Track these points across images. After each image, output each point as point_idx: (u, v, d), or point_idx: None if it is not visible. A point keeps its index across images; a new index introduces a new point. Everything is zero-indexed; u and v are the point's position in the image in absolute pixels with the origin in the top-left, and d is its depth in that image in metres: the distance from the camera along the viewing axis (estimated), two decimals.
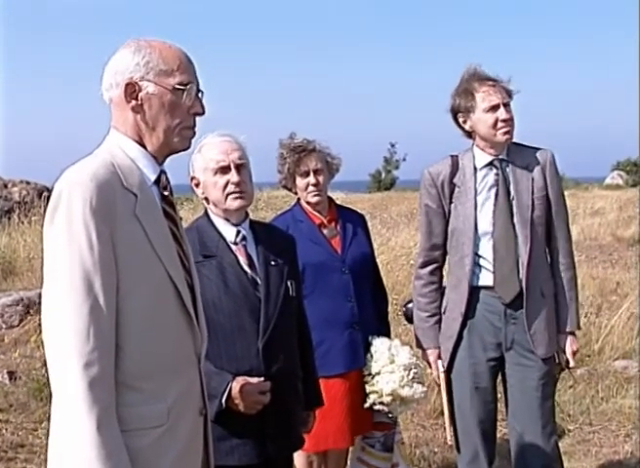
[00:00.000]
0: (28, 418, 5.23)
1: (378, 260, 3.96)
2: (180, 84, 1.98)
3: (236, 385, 2.67)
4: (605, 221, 16.37)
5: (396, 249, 10.24)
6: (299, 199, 3.71)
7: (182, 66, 1.99)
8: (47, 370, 1.82)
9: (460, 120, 3.50)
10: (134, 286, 1.87)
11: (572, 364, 3.58)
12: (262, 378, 2.71)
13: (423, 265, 3.65)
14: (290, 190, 3.74)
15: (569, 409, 5.67)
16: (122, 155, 1.97)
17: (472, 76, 3.47)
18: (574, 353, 3.56)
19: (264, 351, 2.74)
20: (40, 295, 1.91)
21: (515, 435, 3.55)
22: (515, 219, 3.43)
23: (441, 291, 3.64)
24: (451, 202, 3.52)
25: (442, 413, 3.73)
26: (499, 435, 3.84)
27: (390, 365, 3.46)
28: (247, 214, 2.93)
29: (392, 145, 41.68)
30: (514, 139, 3.51)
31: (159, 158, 2.03)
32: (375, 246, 3.95)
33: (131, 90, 1.97)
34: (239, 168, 2.82)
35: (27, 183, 13.45)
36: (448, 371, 3.59)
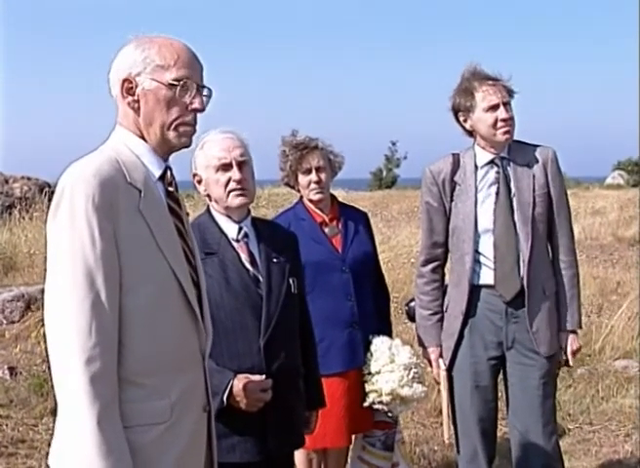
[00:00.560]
0: (29, 414, 5.24)
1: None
2: (176, 79, 1.97)
3: (238, 383, 2.66)
4: (606, 221, 16.37)
5: (397, 247, 10.25)
6: (301, 197, 3.70)
7: (180, 62, 1.97)
8: (48, 366, 1.83)
9: (461, 119, 3.50)
10: (137, 282, 1.87)
11: (571, 363, 3.57)
12: (264, 376, 2.71)
13: (425, 263, 3.65)
14: (292, 188, 3.73)
15: (569, 408, 5.67)
16: (127, 151, 1.97)
17: (472, 75, 3.46)
18: (575, 352, 3.55)
19: (266, 348, 2.74)
20: (41, 291, 1.91)
21: (516, 434, 3.55)
22: (516, 217, 3.43)
23: (443, 289, 3.64)
24: (452, 200, 3.52)
25: (442, 412, 3.73)
26: (499, 434, 3.84)
27: (390, 364, 3.46)
28: (249, 212, 2.93)
29: (393, 143, 41.74)
30: (515, 137, 3.51)
31: (161, 154, 2.02)
32: (376, 244, 3.94)
33: (128, 86, 1.98)
34: (241, 165, 2.81)
35: (28, 179, 13.46)
36: (449, 370, 3.58)
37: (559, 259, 3.52)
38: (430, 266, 3.63)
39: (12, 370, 5.86)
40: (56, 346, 1.80)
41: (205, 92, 2.03)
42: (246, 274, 2.79)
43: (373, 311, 3.64)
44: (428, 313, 3.61)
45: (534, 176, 3.45)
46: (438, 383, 3.66)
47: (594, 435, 5.34)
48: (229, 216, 2.86)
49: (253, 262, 2.82)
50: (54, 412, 1.86)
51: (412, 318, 3.79)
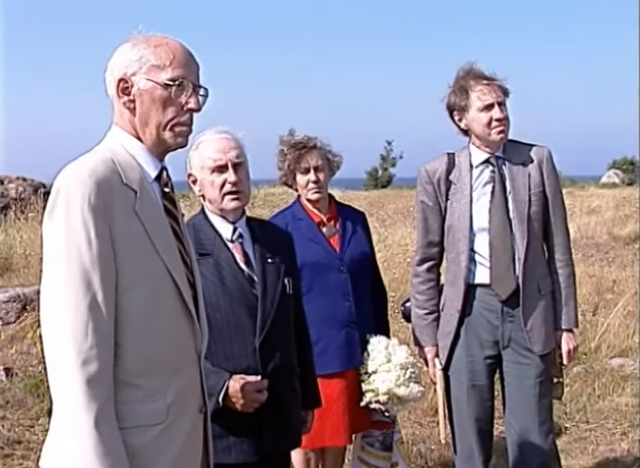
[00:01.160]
0: (25, 415, 5.23)
1: None
2: (171, 79, 1.96)
3: (233, 383, 2.66)
4: (601, 220, 16.40)
5: (393, 246, 10.26)
6: (299, 196, 3.70)
7: (176, 61, 1.97)
8: (44, 367, 1.82)
9: (456, 118, 3.50)
10: (133, 283, 1.87)
11: (565, 362, 3.58)
12: (259, 376, 2.70)
13: (420, 262, 3.64)
14: (290, 187, 3.73)
15: (566, 406, 5.67)
16: (123, 151, 1.97)
17: (467, 74, 3.46)
18: (572, 350, 3.55)
19: (261, 349, 2.73)
20: (37, 292, 1.91)
21: (512, 433, 3.55)
22: (512, 215, 3.43)
23: (439, 288, 3.63)
24: (447, 199, 3.52)
25: (438, 411, 3.73)
26: (496, 433, 3.84)
27: (387, 363, 3.46)
28: (244, 212, 2.91)
29: (389, 143, 41.73)
30: (511, 136, 3.51)
31: (157, 154, 2.02)
32: (373, 243, 3.94)
33: (123, 85, 1.97)
34: (236, 167, 2.80)
35: (24, 180, 13.45)
36: (445, 369, 3.58)
37: (555, 258, 3.52)
38: (426, 265, 3.63)
39: (8, 370, 5.85)
40: (52, 347, 1.80)
41: (201, 91, 2.02)
42: (241, 274, 2.78)
43: (370, 311, 3.64)
44: (424, 312, 3.61)
45: (529, 175, 3.46)
46: (434, 383, 3.66)
47: (591, 433, 5.35)
48: (224, 217, 2.85)
49: (248, 263, 2.81)
50: (50, 413, 1.85)
51: (407, 318, 3.79)
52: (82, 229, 1.80)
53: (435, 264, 3.64)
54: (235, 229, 2.85)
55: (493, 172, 3.46)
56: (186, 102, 1.99)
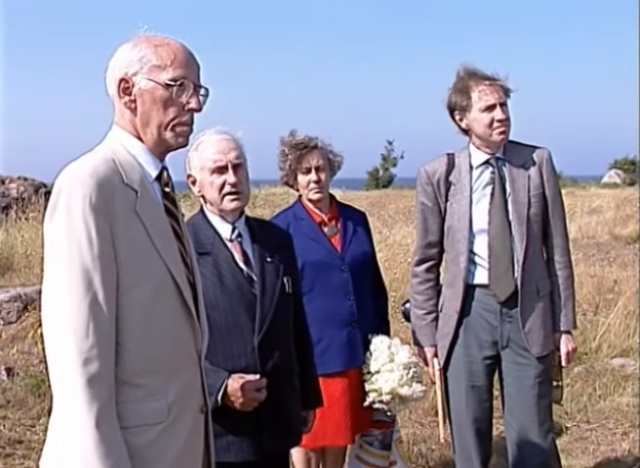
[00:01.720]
0: (26, 415, 5.23)
1: None
2: (172, 79, 1.96)
3: (232, 382, 2.66)
4: (602, 220, 16.41)
5: (394, 246, 10.27)
6: (300, 196, 3.70)
7: (177, 61, 1.97)
8: (45, 367, 1.82)
9: (457, 118, 3.50)
10: (134, 282, 1.87)
11: (564, 363, 3.58)
12: (258, 375, 2.70)
13: (419, 263, 3.65)
14: (291, 187, 3.73)
15: (567, 406, 5.67)
16: (123, 151, 1.97)
17: (468, 74, 3.45)
18: (570, 352, 3.55)
19: (260, 348, 2.74)
20: (38, 292, 1.91)
21: (512, 433, 3.55)
22: (511, 217, 3.42)
23: (438, 288, 3.63)
24: (447, 200, 3.51)
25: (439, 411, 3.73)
26: (496, 433, 3.85)
27: (390, 363, 3.46)
28: (243, 212, 2.92)
29: (390, 143, 41.74)
30: (511, 138, 3.50)
31: (157, 154, 2.02)
32: (374, 243, 3.94)
33: (124, 85, 1.97)
34: (236, 168, 2.80)
35: (25, 180, 13.46)
36: (444, 369, 3.59)
37: (554, 260, 3.52)
38: (425, 266, 3.63)
39: (9, 370, 5.86)
40: (53, 347, 1.80)
41: (202, 91, 2.02)
42: (240, 274, 2.79)
43: (371, 310, 3.64)
44: (423, 312, 3.62)
45: (529, 177, 3.45)
46: (434, 383, 3.67)
47: (592, 433, 5.34)
48: (223, 217, 2.86)
49: (247, 262, 2.81)
50: (51, 413, 1.85)
51: (408, 318, 3.79)
52: (83, 229, 1.80)
53: (434, 265, 3.64)
54: (234, 229, 2.85)
55: (493, 173, 3.46)
56: (187, 102, 1.99)
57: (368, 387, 3.47)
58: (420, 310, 3.63)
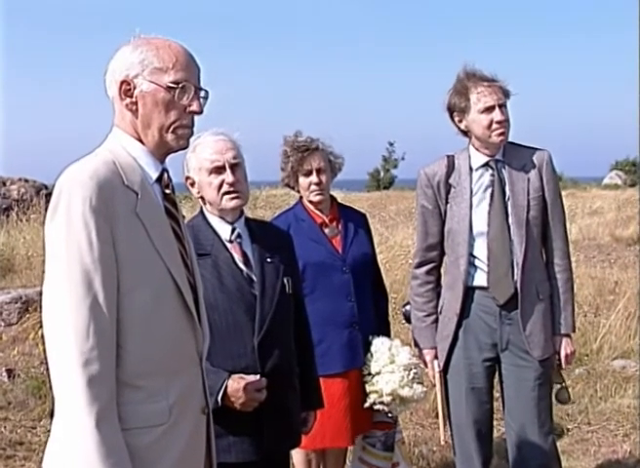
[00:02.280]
0: (27, 416, 5.23)
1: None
2: (174, 82, 1.96)
3: (232, 383, 2.67)
4: (603, 221, 16.42)
5: (395, 248, 10.26)
6: (301, 197, 3.70)
7: (179, 64, 1.97)
8: (46, 368, 1.83)
9: (456, 119, 3.49)
10: (134, 284, 1.87)
11: (564, 366, 3.58)
12: (258, 376, 2.71)
13: (419, 265, 3.65)
14: (292, 189, 3.73)
15: (567, 408, 5.66)
16: (124, 153, 1.97)
17: (467, 75, 3.44)
18: (569, 355, 3.55)
19: (260, 348, 2.74)
20: (39, 293, 1.91)
21: (512, 435, 3.55)
22: (511, 220, 3.42)
23: (438, 290, 3.63)
24: (447, 202, 3.51)
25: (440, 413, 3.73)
26: (497, 434, 3.84)
27: (390, 365, 3.46)
28: (242, 212, 2.93)
29: (391, 144, 41.79)
30: (511, 139, 3.50)
31: (158, 156, 2.02)
32: (374, 245, 3.94)
33: (126, 87, 1.97)
34: (234, 167, 2.82)
35: (26, 181, 13.46)
36: (444, 371, 3.58)
37: (553, 263, 3.52)
38: (425, 268, 3.63)
39: (10, 372, 5.86)
40: (54, 348, 1.80)
41: (202, 93, 2.03)
42: (239, 274, 2.79)
43: (372, 312, 3.64)
44: (423, 315, 3.62)
45: (528, 180, 3.44)
46: (435, 385, 3.67)
47: (593, 435, 5.34)
48: (222, 218, 2.86)
49: (246, 263, 2.82)
50: (52, 415, 1.85)
51: (409, 320, 3.79)
52: (83, 231, 1.80)
53: (434, 267, 3.64)
54: (234, 229, 2.86)
55: (492, 175, 3.46)
56: (189, 105, 1.99)
57: (368, 388, 3.47)
58: (420, 312, 3.63)
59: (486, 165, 3.47)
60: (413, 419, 5.44)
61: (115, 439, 1.79)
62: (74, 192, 1.82)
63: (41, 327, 1.89)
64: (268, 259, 2.84)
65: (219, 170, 2.81)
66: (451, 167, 3.52)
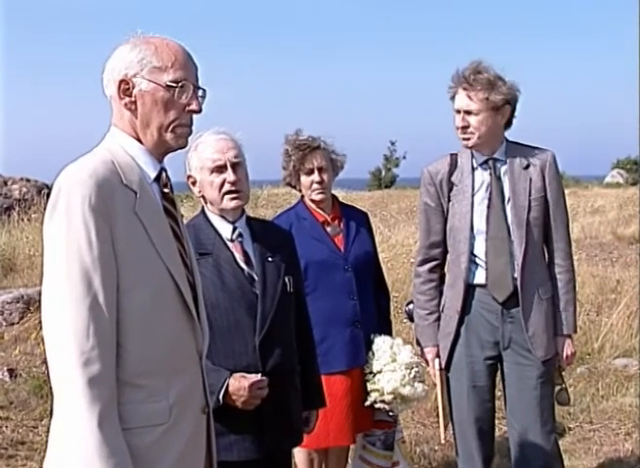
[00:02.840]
0: (29, 416, 5.23)
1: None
2: (173, 81, 1.96)
3: (233, 382, 2.67)
4: (605, 220, 16.41)
5: (396, 246, 10.25)
6: (302, 196, 3.70)
7: (178, 63, 1.97)
8: (47, 368, 1.82)
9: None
10: (134, 283, 1.86)
11: (564, 367, 3.57)
12: (260, 374, 2.71)
13: (422, 263, 3.64)
14: (294, 188, 3.73)
15: (569, 407, 5.67)
16: (122, 152, 1.97)
17: (459, 73, 3.43)
18: (570, 356, 3.55)
19: (261, 347, 2.74)
20: (40, 293, 1.90)
21: (514, 433, 3.55)
22: (510, 220, 3.41)
23: (441, 288, 3.63)
24: (449, 200, 3.51)
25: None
26: (499, 433, 3.84)
27: (392, 363, 3.46)
28: (243, 211, 2.93)
29: (392, 143, 41.85)
30: (513, 138, 3.49)
31: (156, 155, 2.02)
32: (376, 243, 3.94)
33: (124, 87, 1.97)
34: (235, 166, 2.82)
35: (27, 181, 13.48)
36: (446, 369, 3.58)
37: (555, 264, 3.50)
38: (427, 266, 3.62)
39: (11, 371, 5.86)
40: (53, 348, 1.80)
41: (200, 92, 2.03)
42: (241, 273, 2.79)
43: (373, 310, 3.65)
44: (425, 313, 3.61)
45: (530, 180, 3.43)
46: (436, 384, 3.67)
47: (594, 433, 5.34)
48: (224, 217, 2.86)
49: (247, 262, 2.82)
50: (53, 415, 1.85)
51: (411, 319, 3.79)
52: (82, 230, 1.80)
53: (437, 265, 3.64)
54: (235, 229, 2.86)
55: (490, 175, 3.46)
56: (188, 104, 1.99)
57: (370, 387, 3.47)
58: (423, 310, 3.62)
59: (485, 163, 3.47)
60: (414, 418, 5.44)
61: (117, 439, 1.79)
62: (73, 191, 1.81)
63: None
64: (269, 258, 2.84)
65: (220, 169, 2.81)
66: (453, 165, 3.52)
